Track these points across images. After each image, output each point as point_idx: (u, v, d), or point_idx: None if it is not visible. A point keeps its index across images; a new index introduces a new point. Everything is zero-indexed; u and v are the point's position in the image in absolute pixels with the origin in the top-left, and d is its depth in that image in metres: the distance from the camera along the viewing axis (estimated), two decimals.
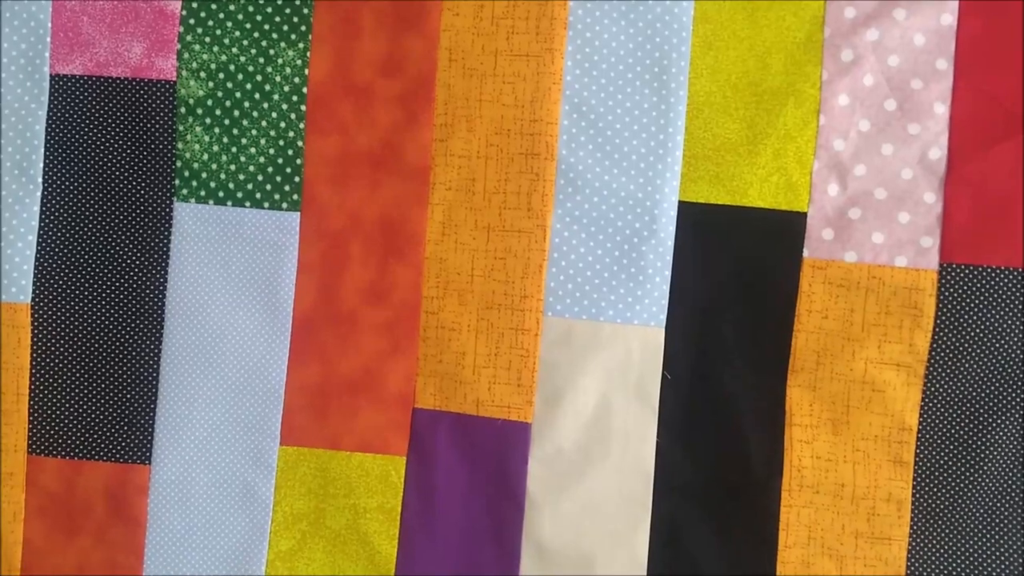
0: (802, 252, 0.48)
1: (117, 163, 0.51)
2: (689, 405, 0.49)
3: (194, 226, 0.50)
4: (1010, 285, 0.47)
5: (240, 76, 0.50)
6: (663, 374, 0.48)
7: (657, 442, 0.48)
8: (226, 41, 0.50)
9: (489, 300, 0.49)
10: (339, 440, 0.49)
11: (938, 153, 0.48)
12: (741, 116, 0.48)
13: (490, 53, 0.49)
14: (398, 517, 0.49)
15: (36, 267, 0.51)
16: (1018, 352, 0.47)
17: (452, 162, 0.49)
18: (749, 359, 0.49)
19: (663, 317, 0.49)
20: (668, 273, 0.49)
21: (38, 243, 0.51)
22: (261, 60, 0.50)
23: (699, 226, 0.49)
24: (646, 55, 0.48)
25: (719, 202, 0.49)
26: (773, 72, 0.48)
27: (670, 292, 0.49)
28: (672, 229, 0.49)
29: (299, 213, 0.50)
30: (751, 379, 0.49)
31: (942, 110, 0.48)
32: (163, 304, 0.50)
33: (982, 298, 0.47)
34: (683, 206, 0.49)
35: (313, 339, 0.50)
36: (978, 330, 0.47)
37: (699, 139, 0.49)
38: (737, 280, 0.49)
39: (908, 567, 0.48)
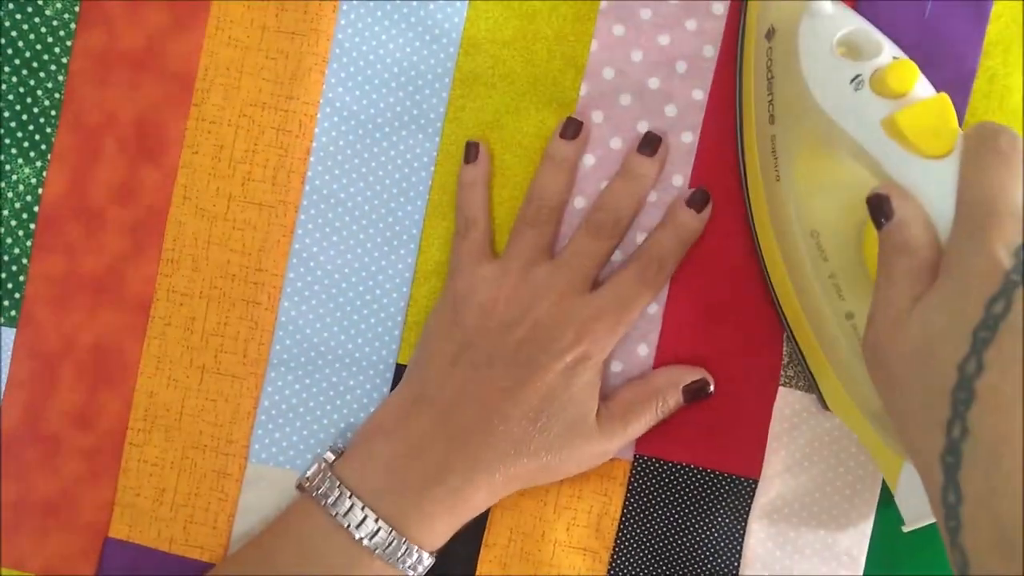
0: None
1: None
2: None
3: None
4: (695, 482, 0.49)
5: None
6: None
7: None
8: None
9: (195, 440, 0.49)
10: None
11: (646, 350, 0.49)
12: None
13: (224, 196, 0.49)
14: None
15: None
16: (700, 550, 0.49)
17: (174, 299, 0.50)
18: None
19: None
20: None
21: None
22: None
23: None
24: (380, 218, 0.49)
25: None
26: (502, 251, 0.50)
27: None
28: (386, 391, 0.49)
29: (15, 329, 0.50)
30: (446, 549, 0.49)
31: (655, 308, 0.49)
32: None
33: (667, 493, 0.49)
34: (400, 370, 0.50)
35: None
36: (663, 523, 0.49)
37: (422, 306, 0.50)
38: None
39: None
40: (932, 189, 0.36)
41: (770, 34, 0.43)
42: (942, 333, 0.33)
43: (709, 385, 0.48)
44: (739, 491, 0.48)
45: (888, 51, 0.40)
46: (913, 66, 0.38)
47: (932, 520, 0.41)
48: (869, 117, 0.38)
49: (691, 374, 0.48)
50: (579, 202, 0.49)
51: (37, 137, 0.50)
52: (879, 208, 0.37)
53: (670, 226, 0.48)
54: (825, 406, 0.47)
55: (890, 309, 0.36)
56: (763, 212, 0.45)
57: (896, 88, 0.38)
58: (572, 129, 0.48)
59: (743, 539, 0.49)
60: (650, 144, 0.47)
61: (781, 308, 0.46)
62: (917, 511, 0.41)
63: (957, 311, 0.33)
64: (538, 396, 0.45)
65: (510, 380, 0.45)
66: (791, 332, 0.46)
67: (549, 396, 0.45)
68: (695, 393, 0.48)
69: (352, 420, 0.49)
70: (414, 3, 0.48)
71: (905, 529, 0.42)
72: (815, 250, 0.43)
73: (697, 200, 0.47)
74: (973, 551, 0.30)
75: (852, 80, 0.39)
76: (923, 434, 0.33)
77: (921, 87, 0.39)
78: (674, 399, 0.47)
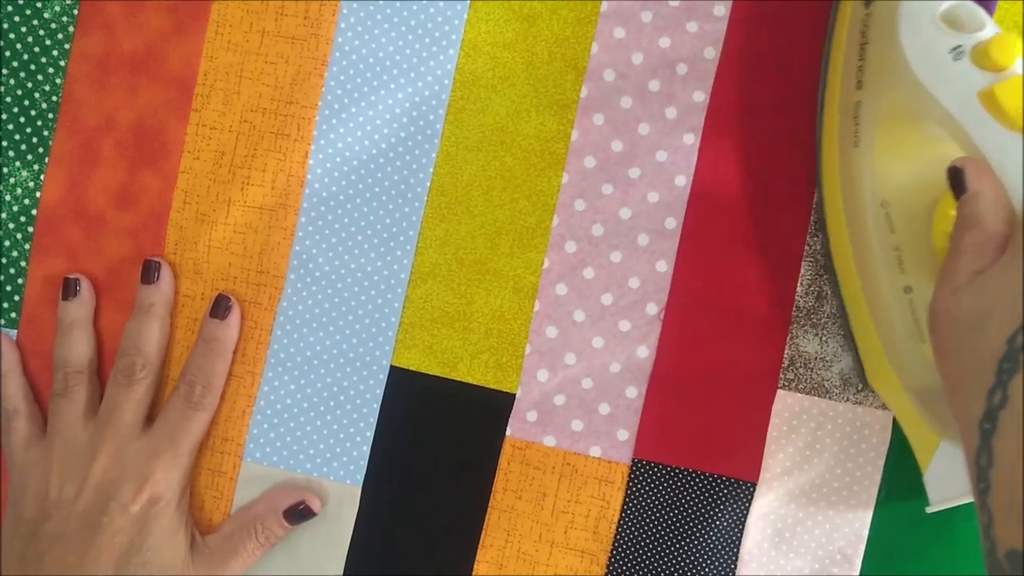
0: (505, 431, 0.49)
1: None
2: (375, 571, 0.49)
3: None
4: (694, 486, 0.49)
5: None
6: None
7: None
8: None
9: None
10: None
11: (646, 352, 0.49)
12: (462, 292, 0.49)
13: (224, 201, 0.49)
14: None
15: None
16: (698, 554, 0.49)
17: (177, 300, 0.50)
18: (441, 530, 0.49)
19: (360, 477, 0.49)
20: (371, 434, 0.49)
21: None
22: None
23: (408, 393, 0.50)
24: (378, 220, 0.49)
25: (429, 372, 0.50)
26: (500, 253, 0.50)
27: (372, 453, 0.49)
28: (380, 392, 0.49)
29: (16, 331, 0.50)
30: (441, 551, 0.49)
31: (654, 310, 0.49)
32: None
33: (666, 497, 0.49)
34: (394, 371, 0.50)
35: None
36: (661, 526, 0.49)
37: (418, 307, 0.50)
38: (440, 450, 0.50)
39: None
40: (1020, 163, 0.37)
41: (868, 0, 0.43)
42: (995, 306, 0.34)
43: (309, 504, 0.47)
44: (738, 495, 0.48)
45: (991, 27, 0.40)
46: (1018, 40, 0.38)
47: (956, 503, 0.42)
48: (966, 88, 0.38)
49: (289, 497, 0.48)
50: (579, 205, 0.49)
51: (35, 140, 0.50)
52: (956, 180, 0.38)
53: (200, 343, 0.48)
54: (864, 381, 0.47)
55: (953, 279, 0.37)
56: (834, 177, 0.45)
57: (998, 61, 0.38)
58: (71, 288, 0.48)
59: (741, 542, 0.48)
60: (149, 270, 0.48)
61: (836, 275, 0.46)
62: (943, 492, 0.42)
63: (1012, 285, 0.34)
64: (112, 558, 0.44)
65: (77, 550, 0.44)
66: (842, 301, 0.46)
67: (126, 554, 0.44)
68: (297, 516, 0.47)
69: (346, 421, 0.49)
70: (414, 6, 0.48)
71: (929, 510, 0.42)
72: (883, 220, 0.43)
73: (220, 309, 0.48)
74: (998, 512, 0.31)
75: (952, 50, 0.39)
76: (967, 400, 0.34)
77: (1021, 63, 0.39)
78: (275, 523, 0.47)
